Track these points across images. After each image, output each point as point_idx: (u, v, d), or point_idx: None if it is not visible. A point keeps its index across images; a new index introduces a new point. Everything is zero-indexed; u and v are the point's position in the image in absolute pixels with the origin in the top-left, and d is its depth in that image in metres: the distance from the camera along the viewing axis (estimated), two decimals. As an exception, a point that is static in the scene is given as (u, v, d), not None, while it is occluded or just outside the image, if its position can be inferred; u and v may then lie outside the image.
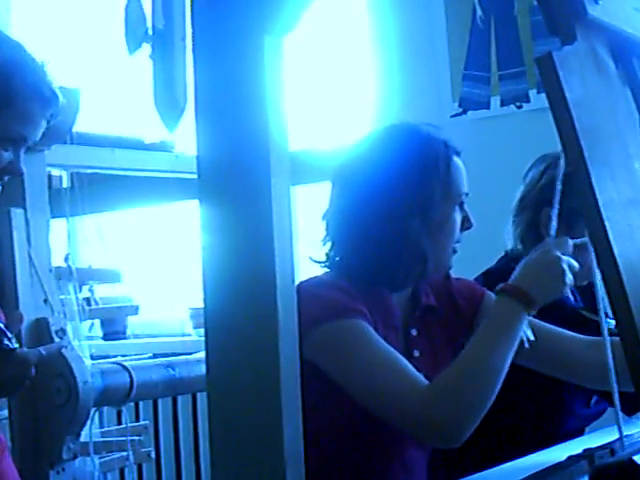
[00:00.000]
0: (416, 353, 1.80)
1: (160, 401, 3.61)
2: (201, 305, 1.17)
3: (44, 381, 1.98)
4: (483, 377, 1.62)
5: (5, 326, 1.56)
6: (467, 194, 1.83)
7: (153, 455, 2.57)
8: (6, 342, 1.54)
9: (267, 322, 1.10)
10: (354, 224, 1.78)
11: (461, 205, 1.81)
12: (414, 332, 1.82)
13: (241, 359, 1.12)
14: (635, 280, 1.25)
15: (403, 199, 1.75)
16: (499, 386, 1.64)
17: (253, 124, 1.11)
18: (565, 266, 1.66)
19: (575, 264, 1.68)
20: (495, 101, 2.61)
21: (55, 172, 2.52)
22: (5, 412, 2.13)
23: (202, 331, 1.17)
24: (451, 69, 3.54)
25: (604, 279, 1.29)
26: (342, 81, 3.93)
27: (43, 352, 1.60)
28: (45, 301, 2.08)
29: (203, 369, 1.17)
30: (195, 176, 1.16)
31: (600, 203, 1.23)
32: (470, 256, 1.91)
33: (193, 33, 1.16)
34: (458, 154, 1.85)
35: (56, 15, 4.22)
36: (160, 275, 4.04)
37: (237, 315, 1.12)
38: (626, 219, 1.29)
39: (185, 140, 2.57)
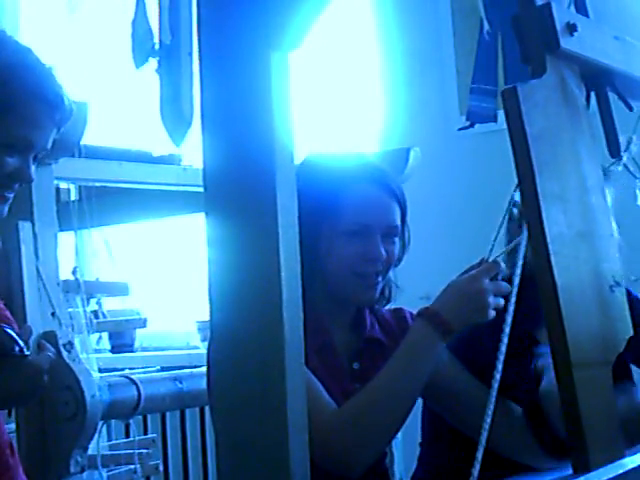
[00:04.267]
0: (356, 387, 1.75)
1: (168, 414, 3.60)
2: (208, 318, 1.17)
3: (52, 394, 1.98)
4: (389, 406, 1.61)
5: (17, 334, 1.56)
6: (368, 225, 1.76)
7: (161, 468, 2.58)
8: (18, 349, 1.54)
9: (273, 335, 1.10)
10: None
11: (360, 235, 1.76)
12: (356, 366, 1.80)
13: (247, 371, 1.12)
14: (574, 310, 1.26)
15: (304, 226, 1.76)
16: (407, 413, 1.63)
17: (259, 138, 1.12)
18: (490, 299, 1.62)
19: (504, 288, 1.61)
20: (502, 114, 2.62)
21: (63, 185, 2.53)
22: (12, 425, 2.13)
23: (209, 344, 1.17)
24: (458, 82, 3.55)
25: (544, 310, 1.30)
26: (350, 94, 3.94)
27: (52, 356, 1.60)
28: (53, 314, 2.08)
29: (210, 382, 1.17)
30: (202, 189, 1.17)
31: (548, 238, 1.25)
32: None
33: (200, 48, 1.17)
34: (376, 183, 1.79)
35: (64, 29, 4.24)
36: (168, 288, 4.04)
37: (243, 328, 1.12)
38: (574, 252, 1.30)
39: (193, 153, 2.58)
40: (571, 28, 1.29)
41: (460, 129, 3.29)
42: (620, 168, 1.66)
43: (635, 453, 1.40)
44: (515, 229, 2.13)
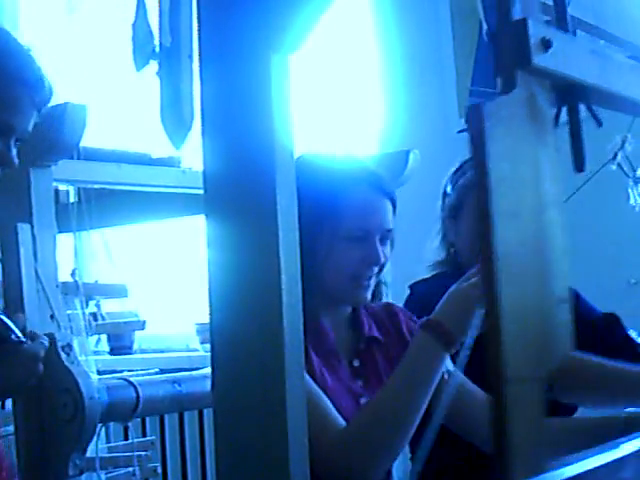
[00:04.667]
0: (359, 383, 1.78)
1: (167, 417, 3.61)
2: (208, 320, 1.17)
3: (50, 396, 1.98)
4: (395, 421, 1.60)
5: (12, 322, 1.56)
6: (369, 230, 1.77)
7: (160, 470, 2.57)
8: (14, 336, 1.54)
9: (273, 337, 1.10)
10: None
11: (360, 239, 1.76)
12: (356, 363, 1.80)
13: (247, 374, 1.12)
14: (515, 325, 1.24)
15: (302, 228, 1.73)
16: (414, 427, 1.61)
17: (259, 140, 1.12)
18: None
19: None
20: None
21: (62, 187, 2.53)
22: (11, 428, 2.13)
23: (209, 346, 1.17)
24: (458, 85, 3.56)
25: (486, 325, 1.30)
26: (349, 97, 3.94)
27: (45, 343, 1.60)
28: (52, 316, 2.07)
29: (209, 385, 1.17)
30: (202, 191, 1.17)
31: (497, 255, 1.24)
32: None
33: (200, 51, 1.17)
34: (374, 187, 1.79)
35: (63, 30, 4.24)
36: (167, 290, 4.04)
37: (243, 330, 1.12)
38: (522, 269, 1.29)
39: (192, 155, 2.58)
40: (546, 44, 1.29)
41: (459, 132, 3.30)
42: (614, 167, 1.66)
43: (560, 467, 1.39)
44: (448, 219, 2.20)
